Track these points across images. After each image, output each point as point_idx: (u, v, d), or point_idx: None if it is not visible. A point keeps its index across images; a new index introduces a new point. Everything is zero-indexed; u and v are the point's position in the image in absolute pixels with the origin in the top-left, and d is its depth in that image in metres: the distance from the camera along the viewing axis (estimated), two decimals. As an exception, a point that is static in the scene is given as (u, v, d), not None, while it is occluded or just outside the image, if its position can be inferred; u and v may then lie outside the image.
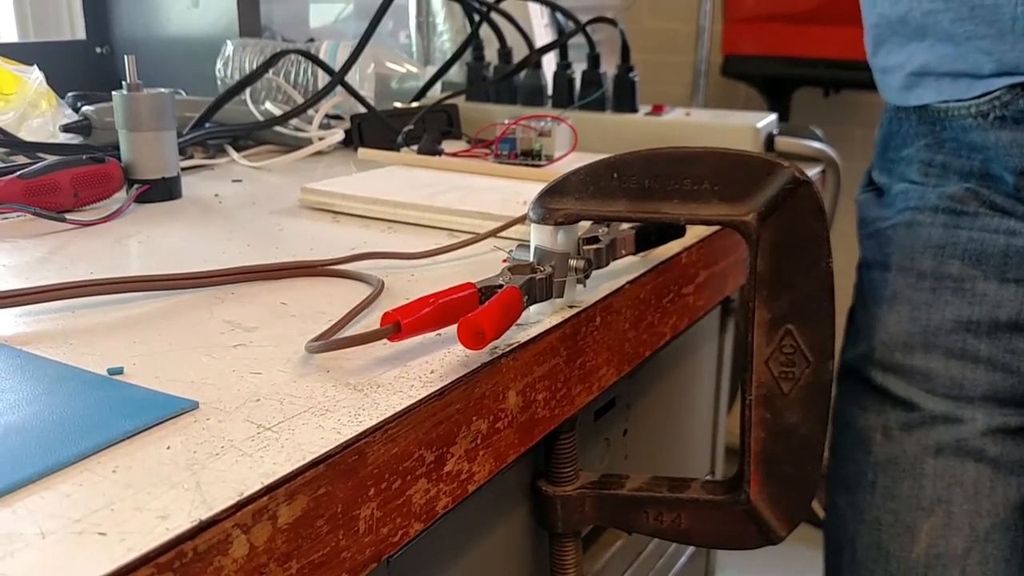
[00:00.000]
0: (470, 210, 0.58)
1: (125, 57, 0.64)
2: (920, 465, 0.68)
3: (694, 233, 0.57)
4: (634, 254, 0.51)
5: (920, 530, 0.69)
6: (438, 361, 0.38)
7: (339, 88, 0.85)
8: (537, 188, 0.45)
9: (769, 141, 0.83)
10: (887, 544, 0.70)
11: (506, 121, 0.78)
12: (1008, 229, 0.66)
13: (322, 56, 0.95)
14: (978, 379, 0.67)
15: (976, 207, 0.66)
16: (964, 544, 0.68)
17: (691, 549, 0.81)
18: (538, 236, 0.45)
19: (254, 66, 0.91)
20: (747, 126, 0.81)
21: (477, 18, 0.98)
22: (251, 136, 0.85)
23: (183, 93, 0.92)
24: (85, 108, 0.77)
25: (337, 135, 0.83)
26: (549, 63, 0.95)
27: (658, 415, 0.70)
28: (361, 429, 0.31)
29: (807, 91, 1.92)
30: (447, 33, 1.20)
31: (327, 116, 0.88)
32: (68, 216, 0.58)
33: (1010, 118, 0.63)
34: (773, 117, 0.86)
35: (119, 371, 0.35)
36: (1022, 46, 0.60)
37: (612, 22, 0.90)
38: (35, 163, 0.62)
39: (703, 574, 0.87)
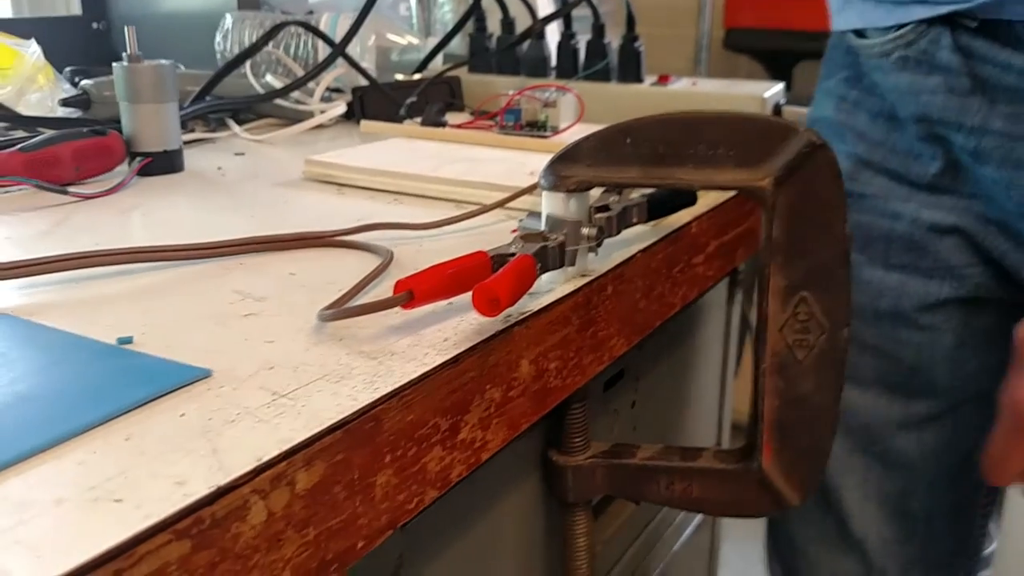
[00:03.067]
0: (476, 181, 0.58)
1: (125, 28, 0.63)
2: None
3: (704, 202, 0.57)
4: (645, 223, 0.51)
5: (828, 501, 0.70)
6: (451, 329, 0.37)
7: (340, 61, 0.84)
8: (543, 159, 0.44)
9: (776, 110, 0.83)
10: (806, 512, 0.72)
11: (510, 92, 0.77)
12: (892, 212, 0.64)
13: (322, 28, 0.93)
14: (866, 364, 0.67)
15: (863, 185, 0.65)
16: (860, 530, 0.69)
17: (697, 520, 0.81)
18: (549, 204, 0.44)
19: (254, 39, 0.90)
20: (755, 95, 0.80)
21: (479, -12, 0.97)
22: (252, 109, 0.84)
23: (182, 67, 0.91)
24: (84, 82, 0.76)
25: (339, 107, 0.83)
26: (553, 34, 0.94)
27: (666, 387, 0.70)
28: (377, 396, 0.31)
29: (809, 64, 1.90)
30: (448, 4, 1.18)
31: (328, 89, 0.87)
32: (70, 189, 0.58)
33: (912, 59, 0.60)
34: (780, 86, 0.85)
35: (129, 340, 0.35)
36: None
37: (616, -9, 0.88)
38: (35, 136, 0.61)
39: (708, 544, 0.87)
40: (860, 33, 0.64)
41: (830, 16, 0.69)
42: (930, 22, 0.58)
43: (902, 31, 0.60)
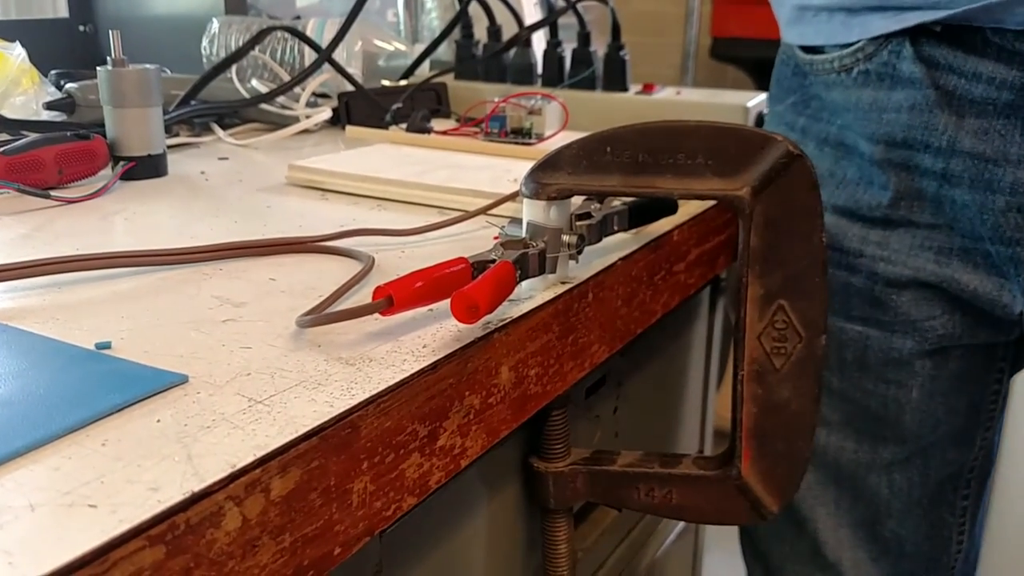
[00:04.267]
0: (460, 187, 0.58)
1: (110, 32, 0.63)
2: None
3: (685, 210, 0.57)
4: (626, 231, 0.51)
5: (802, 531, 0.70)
6: (430, 336, 0.37)
7: (326, 66, 0.85)
8: (527, 166, 0.45)
9: (759, 120, 0.83)
10: (780, 531, 0.72)
11: (496, 99, 0.77)
12: (848, 264, 0.62)
13: (309, 33, 0.94)
14: (833, 407, 0.66)
15: None
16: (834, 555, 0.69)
17: (680, 527, 0.81)
18: (531, 211, 0.44)
19: (240, 44, 0.90)
20: (737, 105, 0.80)
21: (466, -4, 0.97)
22: (237, 114, 0.84)
23: (168, 71, 0.91)
24: (69, 86, 0.76)
25: (324, 113, 0.83)
26: (539, 42, 0.95)
27: (648, 393, 0.70)
28: (354, 402, 0.31)
29: (795, 73, 1.91)
30: (435, 11, 1.19)
31: (314, 94, 0.87)
32: (52, 193, 0.58)
33: (874, 73, 0.56)
34: (763, 96, 0.85)
35: (107, 345, 0.35)
36: None
37: (602, 0, 0.89)
38: (18, 140, 0.61)
39: (691, 552, 0.87)
40: (813, 48, 0.62)
41: (779, 25, 0.66)
42: (886, 36, 0.55)
43: (860, 43, 0.57)
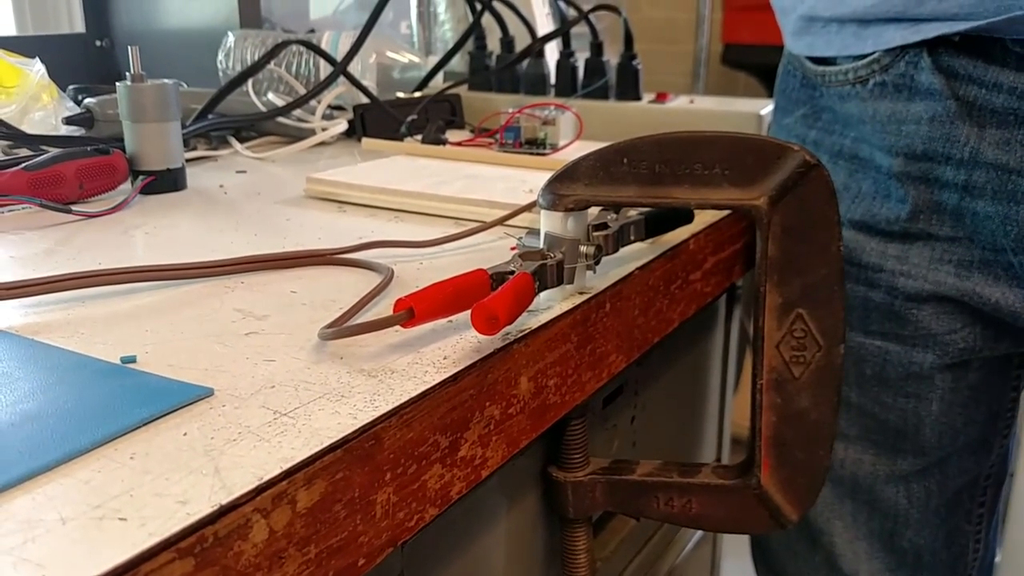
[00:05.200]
0: (476, 199, 0.58)
1: (128, 48, 0.64)
2: None
3: (702, 219, 0.57)
4: (643, 240, 0.51)
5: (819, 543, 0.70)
6: (451, 347, 0.37)
7: (341, 79, 0.85)
8: (542, 176, 0.45)
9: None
10: (794, 545, 0.72)
11: (510, 110, 0.78)
12: (867, 280, 0.61)
13: (324, 47, 0.94)
14: (851, 421, 0.65)
15: None
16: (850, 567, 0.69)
17: (697, 536, 0.81)
18: (548, 223, 0.44)
19: (255, 57, 0.91)
20: (751, 112, 0.81)
21: (479, 7, 0.98)
22: (254, 127, 0.85)
23: (185, 85, 0.92)
24: (87, 100, 0.77)
25: (340, 125, 0.83)
26: (552, 52, 0.95)
27: (665, 402, 0.70)
28: (377, 414, 0.31)
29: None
30: (448, 23, 1.20)
31: (330, 107, 0.87)
32: (74, 208, 0.58)
33: (891, 84, 0.55)
34: (776, 104, 0.85)
35: (132, 359, 0.35)
36: None
37: (615, 9, 0.89)
38: (39, 155, 0.62)
39: (710, 561, 0.87)
40: (823, 60, 0.61)
41: (783, 35, 0.65)
42: (902, 47, 0.54)
43: (875, 54, 0.56)
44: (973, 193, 0.55)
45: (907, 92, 0.55)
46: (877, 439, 0.65)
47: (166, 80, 0.65)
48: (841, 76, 0.59)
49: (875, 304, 0.61)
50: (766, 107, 0.83)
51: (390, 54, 0.98)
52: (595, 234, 0.46)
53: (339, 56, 0.87)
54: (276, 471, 0.27)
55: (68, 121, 0.76)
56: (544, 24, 1.18)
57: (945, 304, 0.59)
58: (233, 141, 0.81)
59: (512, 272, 0.40)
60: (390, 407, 0.32)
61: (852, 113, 0.59)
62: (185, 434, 0.30)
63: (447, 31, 1.20)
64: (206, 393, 0.32)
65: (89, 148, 0.63)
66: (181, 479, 0.27)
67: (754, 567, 0.78)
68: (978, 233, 0.56)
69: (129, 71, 0.64)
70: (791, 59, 0.66)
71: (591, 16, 0.89)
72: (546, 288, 0.42)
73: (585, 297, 0.45)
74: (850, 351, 0.63)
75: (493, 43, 0.99)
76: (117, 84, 0.64)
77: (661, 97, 0.87)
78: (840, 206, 0.61)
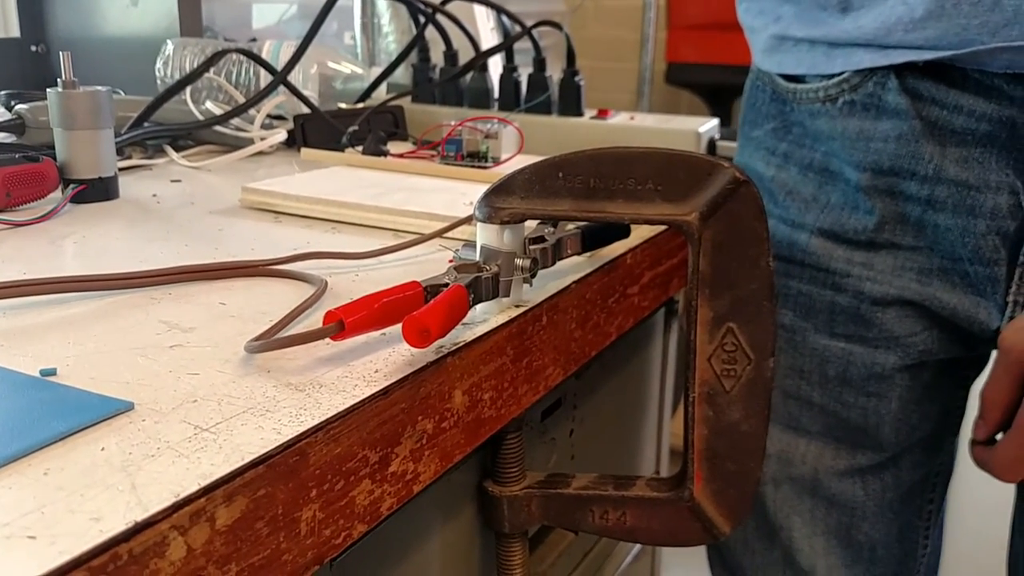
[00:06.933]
0: (416, 211, 0.58)
1: (60, 54, 0.62)
2: (760, 495, 0.70)
3: (639, 234, 0.58)
4: (580, 254, 0.51)
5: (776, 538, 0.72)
6: (382, 360, 0.37)
7: (282, 88, 0.84)
8: (483, 189, 0.45)
9: (711, 145, 0.85)
10: (752, 542, 0.73)
11: (452, 123, 0.78)
12: (834, 284, 0.63)
13: (265, 56, 0.93)
14: (813, 419, 0.68)
15: (801, 253, 0.64)
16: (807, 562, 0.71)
17: (636, 549, 0.81)
18: (484, 235, 0.44)
19: (194, 66, 0.89)
20: (690, 130, 0.82)
21: (423, 20, 0.98)
22: (191, 136, 0.84)
23: (122, 93, 0.90)
24: (19, 107, 0.75)
25: (279, 135, 0.82)
26: (495, 66, 0.96)
27: (604, 415, 0.70)
28: (302, 429, 0.31)
29: (749, 98, 1.95)
30: (392, 34, 1.19)
31: (269, 116, 0.86)
32: (0, 216, 0.57)
33: (859, 103, 0.58)
34: (715, 122, 0.87)
35: (52, 372, 0.34)
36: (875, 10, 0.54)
37: (558, 26, 0.90)
38: (-36, 161, 0.60)
39: (649, 573, 0.87)
40: (794, 78, 0.63)
41: (752, 53, 0.67)
42: (871, 68, 0.57)
43: (845, 74, 0.58)
44: (935, 207, 0.58)
45: (875, 111, 0.58)
46: (839, 435, 0.67)
47: (99, 87, 0.64)
48: (812, 94, 0.61)
49: (842, 307, 0.64)
50: (705, 125, 0.84)
51: (332, 64, 0.97)
52: (532, 247, 0.46)
53: (280, 66, 0.86)
54: (194, 487, 0.26)
55: (-2, 127, 0.74)
56: (488, 38, 1.19)
57: (907, 308, 0.62)
58: (169, 150, 0.80)
59: (446, 284, 0.40)
60: (316, 422, 0.31)
61: (822, 129, 0.61)
62: (103, 449, 0.29)
63: (391, 43, 1.20)
64: (126, 407, 0.31)
65: (18, 155, 0.61)
66: (96, 495, 0.26)
67: (709, 566, 0.78)
68: (938, 243, 0.59)
69: (61, 77, 0.62)
70: (760, 74, 0.68)
71: (534, 32, 0.90)
72: (481, 301, 0.42)
73: (522, 310, 0.45)
74: (814, 353, 0.66)
75: (437, 56, 0.99)
76: (48, 90, 0.63)
77: (602, 113, 0.88)
78: (809, 215, 0.63)
